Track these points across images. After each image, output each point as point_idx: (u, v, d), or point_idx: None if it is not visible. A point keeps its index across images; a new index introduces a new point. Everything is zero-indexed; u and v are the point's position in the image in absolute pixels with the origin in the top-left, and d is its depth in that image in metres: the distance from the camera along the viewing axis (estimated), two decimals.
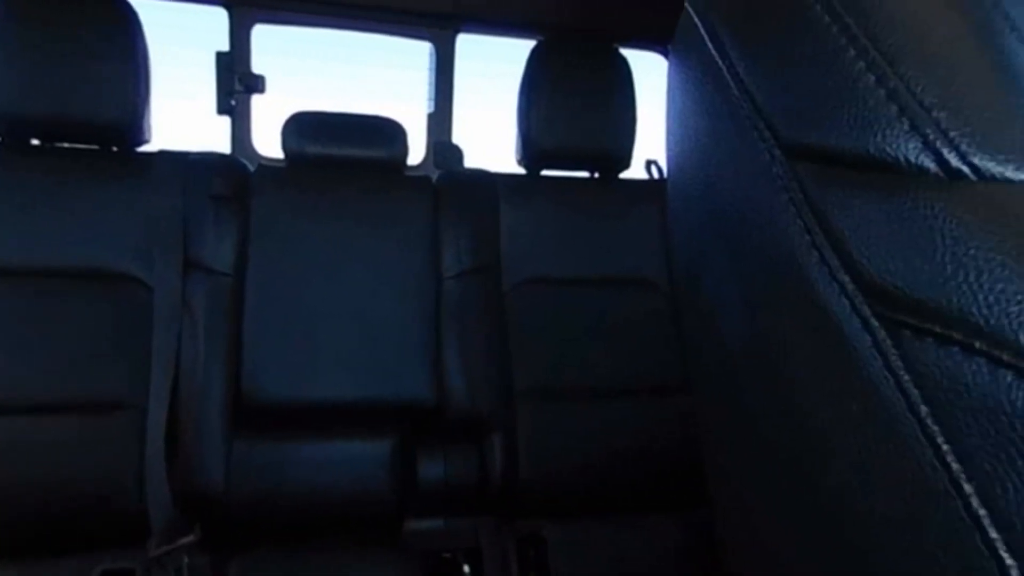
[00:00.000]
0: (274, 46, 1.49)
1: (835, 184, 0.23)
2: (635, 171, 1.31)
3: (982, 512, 0.17)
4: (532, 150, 1.20)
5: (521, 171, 1.28)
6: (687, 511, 1.12)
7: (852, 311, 0.21)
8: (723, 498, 0.31)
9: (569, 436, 1.12)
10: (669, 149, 0.34)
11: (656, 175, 1.41)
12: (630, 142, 1.24)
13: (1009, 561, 0.16)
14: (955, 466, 0.18)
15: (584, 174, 1.29)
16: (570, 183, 1.26)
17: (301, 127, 1.17)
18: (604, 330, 1.17)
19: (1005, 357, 0.17)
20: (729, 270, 0.28)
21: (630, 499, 1.14)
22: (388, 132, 1.22)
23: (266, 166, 1.25)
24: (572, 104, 1.18)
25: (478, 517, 1.13)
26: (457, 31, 1.51)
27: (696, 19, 0.30)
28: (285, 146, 1.17)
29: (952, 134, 0.21)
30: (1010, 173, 0.20)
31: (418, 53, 1.55)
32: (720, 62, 0.28)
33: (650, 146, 1.39)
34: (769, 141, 0.25)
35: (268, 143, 1.47)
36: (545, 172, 1.27)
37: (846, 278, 0.21)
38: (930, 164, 0.21)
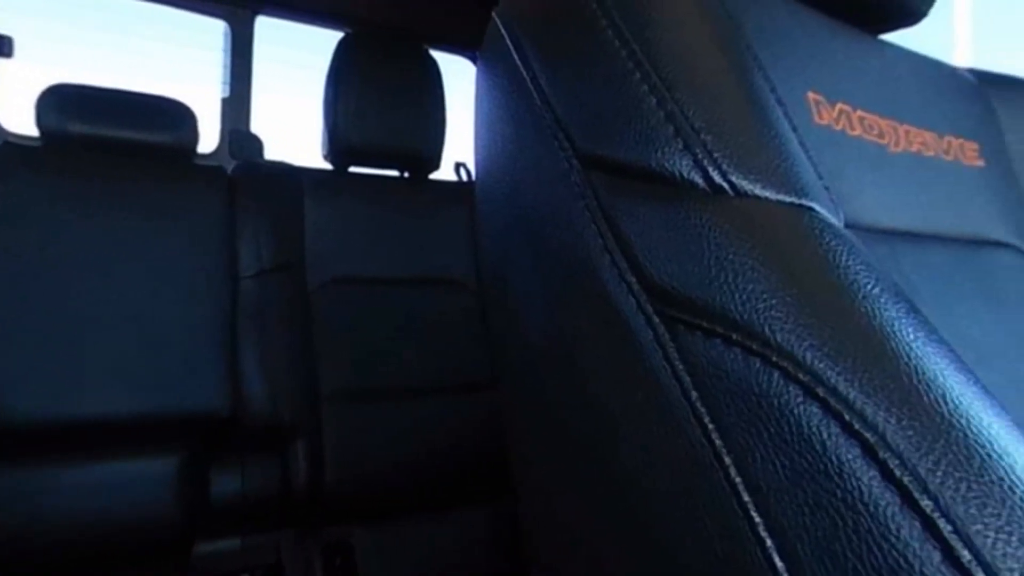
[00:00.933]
0: (30, 4, 1.27)
1: (624, 193, 0.25)
2: (444, 172, 1.33)
3: (738, 480, 0.20)
4: (339, 146, 1.16)
5: (328, 167, 1.23)
6: (496, 502, 1.16)
7: (638, 309, 0.23)
8: (526, 487, 0.33)
9: (378, 437, 1.10)
10: (477, 153, 0.35)
11: (465, 177, 1.44)
12: (439, 143, 1.25)
13: (758, 519, 0.19)
14: (718, 442, 0.21)
15: (393, 173, 1.27)
16: (379, 181, 1.24)
17: (62, 101, 1.01)
18: (413, 330, 1.17)
19: (755, 347, 0.20)
20: (532, 270, 0.30)
21: (441, 495, 1.15)
22: (173, 114, 1.09)
23: (13, 144, 1.06)
24: (381, 100, 1.17)
25: (280, 531, 1.06)
26: (256, 13, 1.41)
27: (502, 29, 0.31)
28: (40, 122, 1.00)
29: (716, 154, 0.24)
30: (759, 191, 0.24)
31: (215, 32, 1.43)
32: (524, 72, 0.29)
33: (459, 148, 1.42)
34: (568, 151, 0.27)
35: (19, 118, 1.25)
36: (353, 169, 1.23)
37: (632, 279, 0.24)
38: (698, 179, 0.24)
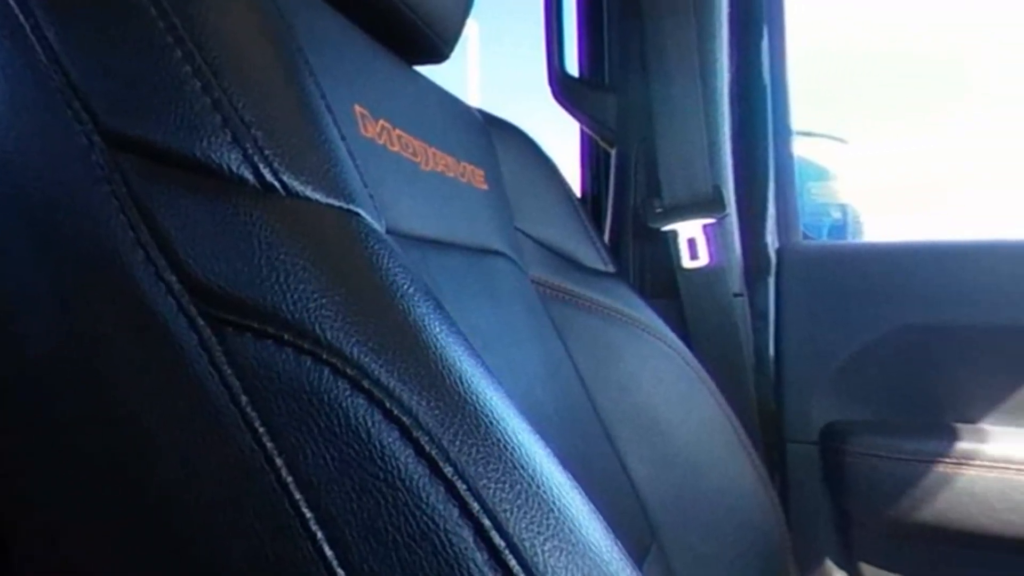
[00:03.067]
0: None
1: (162, 182, 0.22)
2: None
3: (289, 479, 0.20)
4: None
5: None
6: None
7: (179, 310, 0.21)
8: (23, 533, 0.26)
9: None
10: None
11: None
12: None
13: (309, 514, 0.20)
14: (269, 444, 0.20)
15: None
16: None
17: None
18: None
19: (306, 346, 0.21)
20: (35, 262, 0.24)
21: None
22: None
23: None
24: None
25: None
26: None
27: None
28: None
29: (267, 152, 0.24)
30: (311, 193, 0.25)
31: None
32: (23, 18, 0.23)
33: None
34: (87, 124, 0.22)
35: None
36: None
37: (173, 277, 0.22)
38: (249, 176, 0.23)
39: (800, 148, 0.97)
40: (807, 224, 0.95)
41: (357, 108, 0.39)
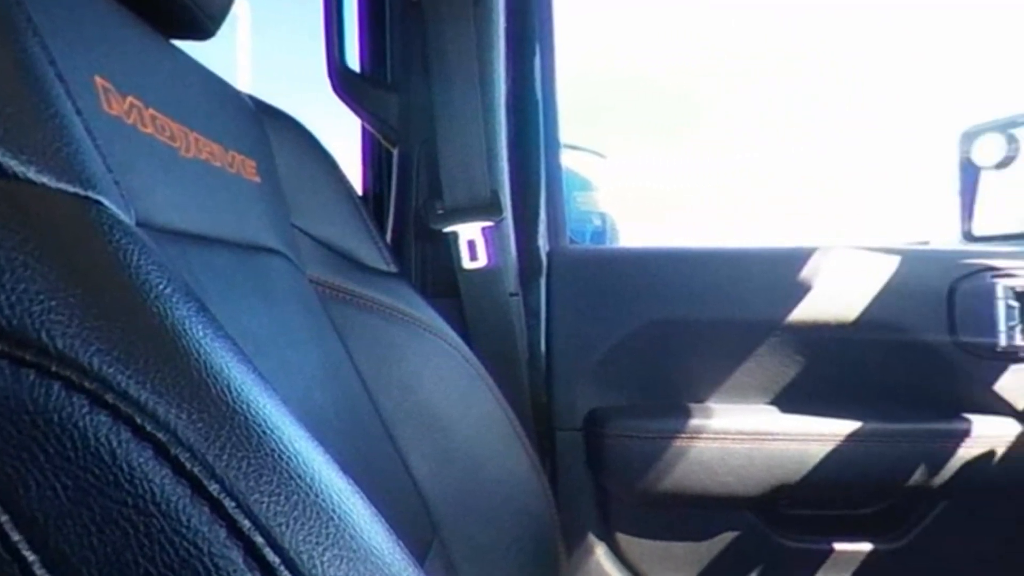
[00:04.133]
0: None
1: None
2: None
3: (4, 518, 0.17)
4: None
5: None
6: None
7: None
8: None
9: None
10: None
11: None
12: None
13: (32, 557, 0.17)
14: None
15: None
16: None
17: None
18: None
19: (28, 357, 0.17)
20: None
21: None
22: None
23: None
24: None
25: None
26: None
27: None
28: None
29: None
30: (34, 175, 0.21)
31: None
32: None
33: None
34: None
35: None
36: None
37: None
38: None
39: (566, 160, 1.06)
40: (572, 230, 1.04)
41: (98, 80, 0.34)
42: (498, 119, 0.83)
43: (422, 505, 0.64)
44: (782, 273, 0.90)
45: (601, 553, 0.91)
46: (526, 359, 0.87)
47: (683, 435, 0.86)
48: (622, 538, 0.91)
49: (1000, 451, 0.84)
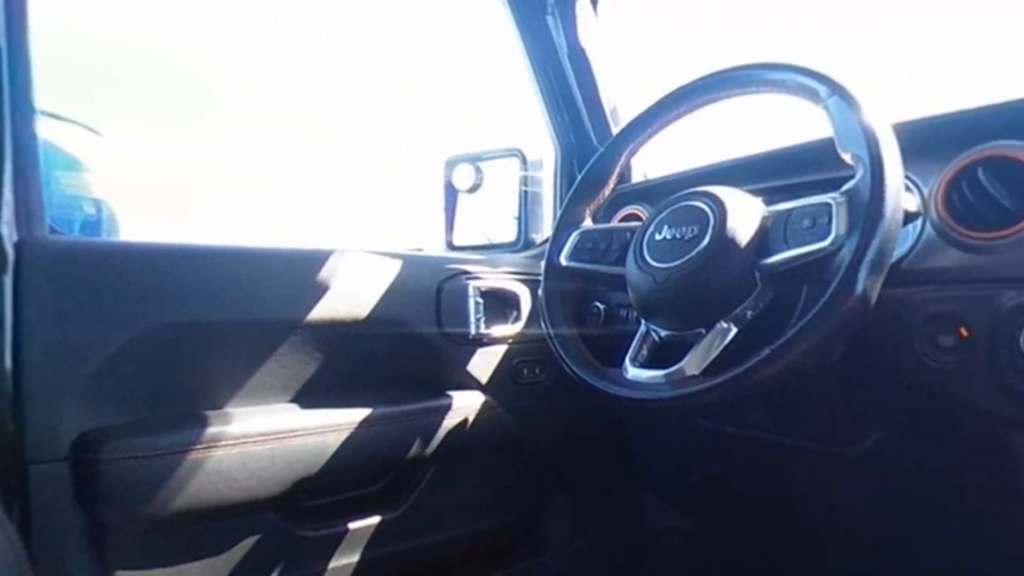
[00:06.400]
0: None
1: None
2: None
3: None
4: None
5: None
6: None
7: None
8: None
9: None
10: None
11: None
12: None
13: None
14: None
15: None
16: None
17: None
18: None
19: None
20: None
21: None
22: None
23: None
24: None
25: None
26: None
27: None
28: None
29: None
30: None
31: None
32: None
33: None
34: None
35: None
36: None
37: None
38: None
39: (47, 132, 0.86)
40: (55, 217, 0.85)
41: None
42: None
43: None
44: (301, 273, 0.93)
45: None
46: None
47: (199, 446, 0.80)
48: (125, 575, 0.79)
49: (471, 418, 1.06)
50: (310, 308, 0.92)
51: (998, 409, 0.68)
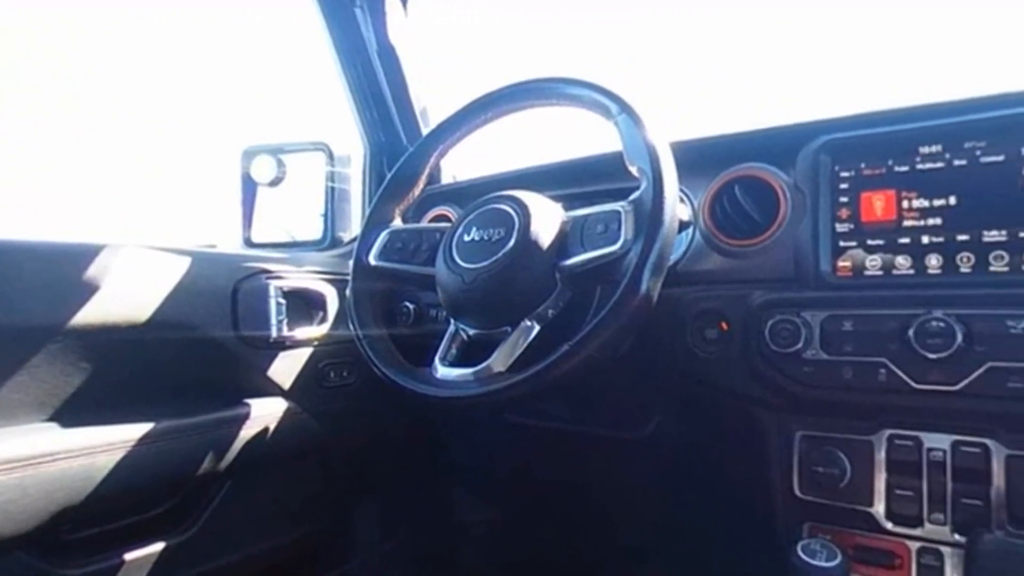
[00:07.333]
0: None
1: None
2: None
3: None
4: None
5: None
6: None
7: None
8: None
9: None
10: None
11: None
12: None
13: None
14: None
15: None
16: None
17: None
18: None
19: None
20: None
21: None
22: None
23: None
24: None
25: None
26: None
27: None
28: None
29: None
30: None
31: None
32: None
33: None
34: None
35: None
36: None
37: None
38: None
39: None
40: None
41: None
42: None
43: None
44: (63, 272, 0.80)
45: None
46: None
47: None
48: None
49: (272, 426, 0.99)
50: (74, 311, 0.79)
51: (749, 390, 0.80)
